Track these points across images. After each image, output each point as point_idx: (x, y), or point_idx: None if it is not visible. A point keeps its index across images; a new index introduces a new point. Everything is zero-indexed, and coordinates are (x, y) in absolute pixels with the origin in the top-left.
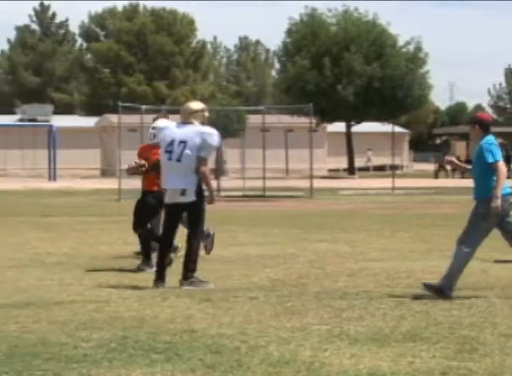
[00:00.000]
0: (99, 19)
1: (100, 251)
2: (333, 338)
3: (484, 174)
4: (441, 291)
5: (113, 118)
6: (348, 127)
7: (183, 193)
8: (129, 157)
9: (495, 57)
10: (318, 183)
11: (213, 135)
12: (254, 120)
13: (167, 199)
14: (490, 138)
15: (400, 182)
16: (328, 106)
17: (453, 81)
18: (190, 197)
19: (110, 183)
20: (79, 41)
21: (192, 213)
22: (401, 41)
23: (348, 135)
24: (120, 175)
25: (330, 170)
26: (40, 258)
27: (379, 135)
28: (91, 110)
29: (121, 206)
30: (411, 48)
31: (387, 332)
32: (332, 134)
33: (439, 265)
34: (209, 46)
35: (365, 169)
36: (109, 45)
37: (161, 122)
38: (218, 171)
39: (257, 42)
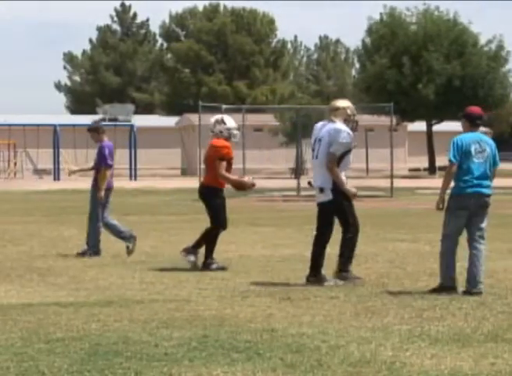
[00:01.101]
0: (179, 19)
1: (180, 250)
2: (414, 338)
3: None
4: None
5: (194, 118)
6: (429, 126)
7: (321, 190)
8: None
9: None
10: (398, 183)
11: (341, 132)
12: None
13: (326, 197)
14: (463, 136)
15: None
16: (408, 106)
17: None
18: (328, 196)
19: (191, 182)
20: (160, 41)
21: (338, 211)
22: (482, 40)
23: (429, 134)
24: (200, 174)
25: (411, 169)
26: (121, 257)
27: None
28: (172, 109)
29: (202, 205)
30: (493, 46)
31: (468, 332)
32: (412, 133)
33: None
34: (289, 45)
35: None
36: (190, 45)
37: (232, 121)
38: (298, 171)
39: (338, 41)
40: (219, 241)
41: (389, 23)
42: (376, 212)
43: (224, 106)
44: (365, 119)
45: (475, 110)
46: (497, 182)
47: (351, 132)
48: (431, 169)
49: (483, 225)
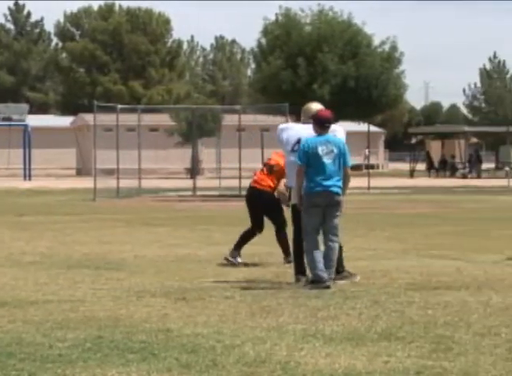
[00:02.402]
0: (74, 19)
1: (75, 250)
2: (309, 338)
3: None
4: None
5: (89, 118)
6: None
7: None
8: (105, 157)
9: (470, 57)
10: None
11: (341, 131)
12: (229, 119)
13: (294, 199)
14: (310, 139)
15: (375, 182)
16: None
17: (428, 80)
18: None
19: (86, 183)
20: (54, 40)
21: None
22: (376, 41)
23: None
24: (95, 175)
25: None
26: (15, 258)
27: (354, 135)
28: (67, 109)
29: (97, 205)
30: (386, 47)
31: (362, 331)
32: None
33: (415, 265)
34: (185, 45)
35: None
36: (85, 45)
37: None
38: (194, 171)
39: (233, 42)
40: (114, 241)
41: (284, 23)
42: None
43: (119, 106)
44: (261, 119)
45: (324, 113)
46: (393, 182)
47: (344, 130)
48: None
49: (335, 222)
